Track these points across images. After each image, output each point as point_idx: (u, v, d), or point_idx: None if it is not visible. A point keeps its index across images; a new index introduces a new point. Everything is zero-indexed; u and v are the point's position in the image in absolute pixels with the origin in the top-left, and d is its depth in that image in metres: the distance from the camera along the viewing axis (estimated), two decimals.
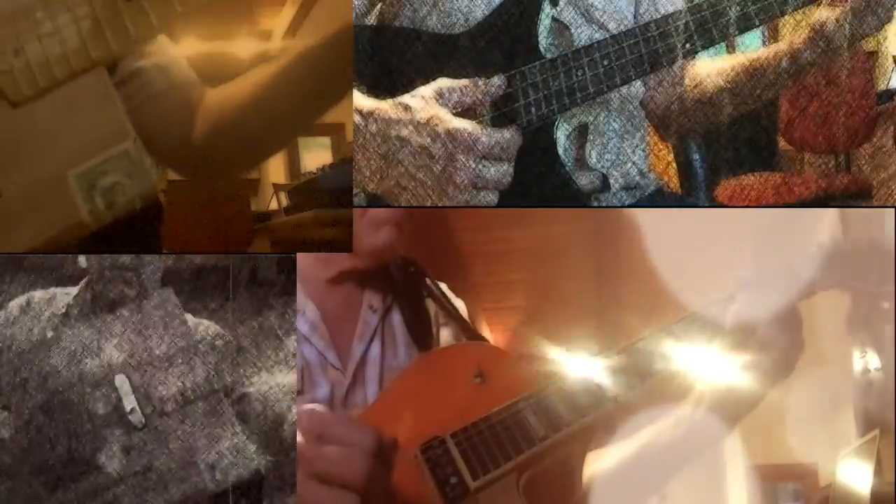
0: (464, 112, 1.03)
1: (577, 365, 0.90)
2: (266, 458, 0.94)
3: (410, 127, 1.00)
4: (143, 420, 0.92)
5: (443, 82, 1.03)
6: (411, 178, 1.01)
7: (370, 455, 0.77)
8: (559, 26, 1.12)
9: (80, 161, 0.88)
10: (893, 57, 1.81)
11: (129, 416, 0.92)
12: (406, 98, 1.02)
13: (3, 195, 0.88)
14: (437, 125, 1.00)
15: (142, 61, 1.04)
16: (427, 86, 1.03)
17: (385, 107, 1.02)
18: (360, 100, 1.04)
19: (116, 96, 0.91)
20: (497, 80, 1.04)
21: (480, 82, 1.03)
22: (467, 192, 1.00)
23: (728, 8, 1.04)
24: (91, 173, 0.89)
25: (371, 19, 1.15)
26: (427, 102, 1.01)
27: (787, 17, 1.06)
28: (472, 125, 1.01)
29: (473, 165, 0.99)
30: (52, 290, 0.98)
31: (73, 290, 0.97)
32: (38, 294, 0.98)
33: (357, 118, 1.03)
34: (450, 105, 1.02)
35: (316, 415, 0.81)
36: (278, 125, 1.06)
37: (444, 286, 1.11)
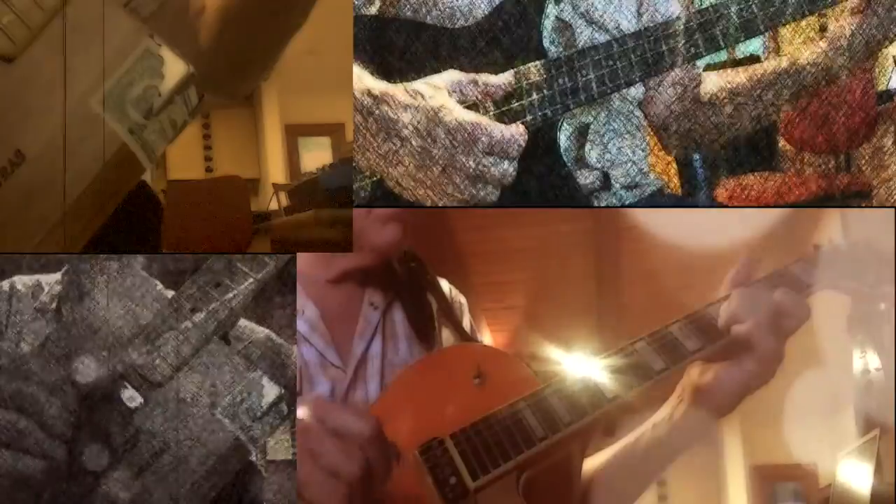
0: (471, 106, 1.03)
1: (577, 365, 0.90)
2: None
3: (419, 112, 1.00)
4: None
5: (454, 74, 1.03)
6: (413, 161, 1.01)
7: (367, 447, 0.76)
8: (562, 25, 1.12)
9: (99, 86, 0.79)
10: (893, 57, 1.81)
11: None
12: (418, 84, 1.03)
13: (27, 158, 0.79)
14: (445, 114, 1.00)
15: None
16: (439, 75, 1.04)
17: (396, 91, 1.02)
18: (371, 82, 1.04)
19: (116, 4, 0.81)
20: (507, 76, 1.04)
21: (491, 77, 1.04)
22: (469, 185, 1.00)
23: (731, 13, 1.04)
24: (116, 90, 0.79)
25: (372, 10, 1.15)
26: (438, 91, 1.02)
27: (790, 24, 1.07)
28: (480, 118, 1.01)
29: (477, 158, 1.00)
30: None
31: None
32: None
33: (367, 100, 1.03)
34: (459, 97, 1.02)
35: (320, 402, 0.81)
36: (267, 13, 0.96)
37: (444, 282, 1.11)
